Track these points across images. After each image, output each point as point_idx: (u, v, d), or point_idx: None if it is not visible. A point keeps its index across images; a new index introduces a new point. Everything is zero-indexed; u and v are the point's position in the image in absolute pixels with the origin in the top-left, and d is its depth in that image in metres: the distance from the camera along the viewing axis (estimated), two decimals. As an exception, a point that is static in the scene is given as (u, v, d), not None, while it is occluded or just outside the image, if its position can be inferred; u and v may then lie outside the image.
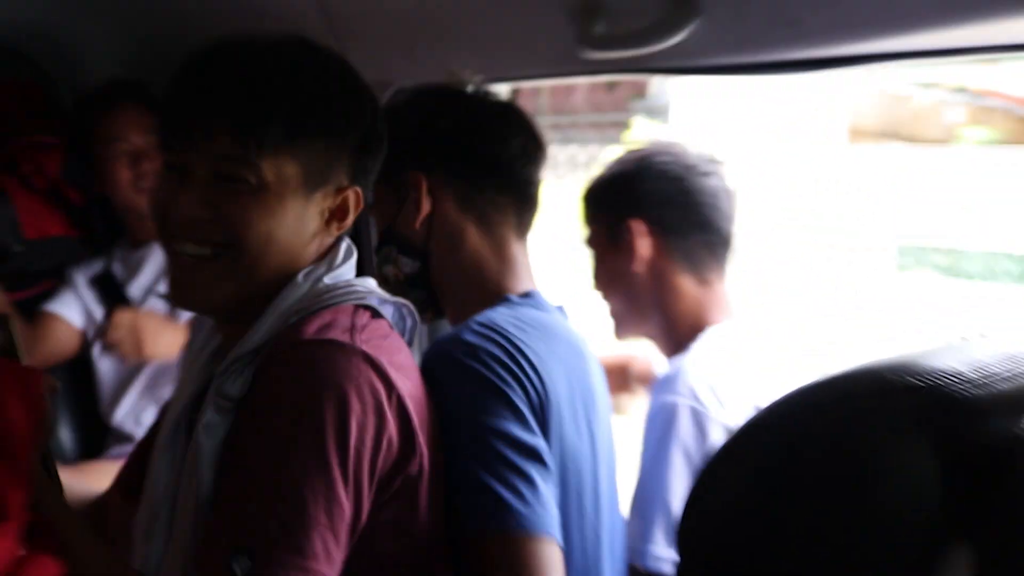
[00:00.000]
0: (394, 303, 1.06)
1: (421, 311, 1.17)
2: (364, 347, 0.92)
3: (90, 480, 1.34)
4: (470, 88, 1.28)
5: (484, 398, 1.05)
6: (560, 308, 1.26)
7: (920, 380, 0.53)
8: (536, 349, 1.10)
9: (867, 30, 1.16)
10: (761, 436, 0.59)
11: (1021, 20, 0.97)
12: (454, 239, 1.22)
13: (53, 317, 1.94)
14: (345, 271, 1.04)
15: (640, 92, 7.09)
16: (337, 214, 1.03)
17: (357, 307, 0.99)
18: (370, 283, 1.06)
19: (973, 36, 1.10)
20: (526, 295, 1.21)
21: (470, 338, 1.08)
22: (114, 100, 1.92)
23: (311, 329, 0.93)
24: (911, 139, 7.75)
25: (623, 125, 7.15)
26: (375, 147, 1.06)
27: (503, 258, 1.23)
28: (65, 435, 2.09)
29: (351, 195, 1.03)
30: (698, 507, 0.61)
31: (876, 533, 0.51)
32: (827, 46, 1.20)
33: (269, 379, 0.92)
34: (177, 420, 1.04)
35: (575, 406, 1.14)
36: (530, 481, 1.01)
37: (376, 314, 1.00)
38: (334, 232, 1.04)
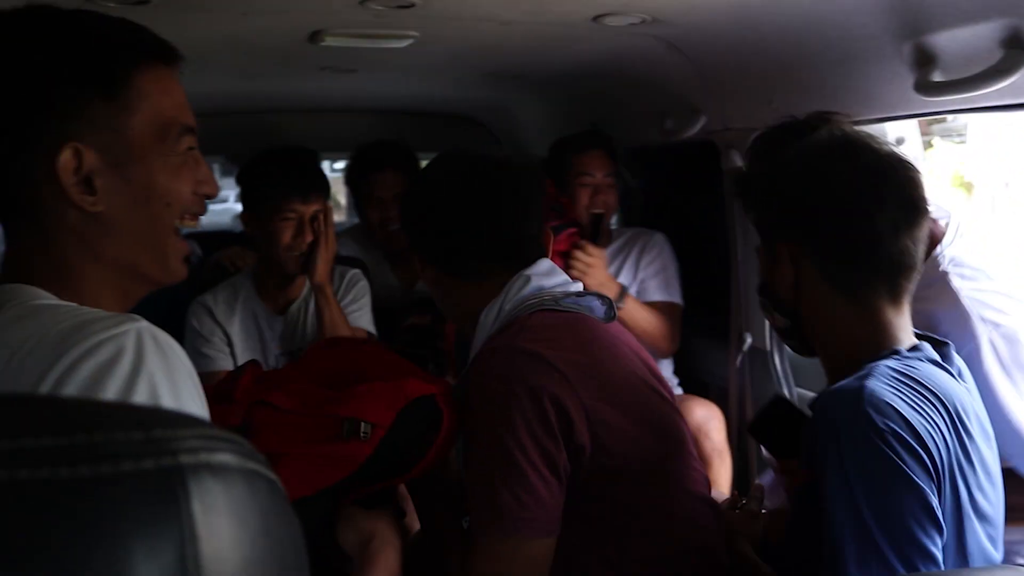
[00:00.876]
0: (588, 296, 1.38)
1: (799, 352, 1.35)
2: (524, 344, 1.24)
3: None
4: (844, 135, 1.23)
5: (894, 486, 1.05)
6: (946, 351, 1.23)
7: None
8: (930, 412, 1.09)
9: None
10: None
11: None
12: (819, 307, 1.22)
13: None
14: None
15: (940, 118, 6.94)
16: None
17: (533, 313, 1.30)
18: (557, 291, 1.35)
19: None
20: (913, 348, 1.19)
21: (874, 416, 1.06)
22: (588, 145, 2.54)
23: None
24: None
25: (926, 146, 7.20)
26: None
27: (874, 324, 1.19)
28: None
29: None
30: None
31: None
32: None
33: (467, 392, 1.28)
34: None
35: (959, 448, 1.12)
36: (930, 555, 1.04)
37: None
38: None
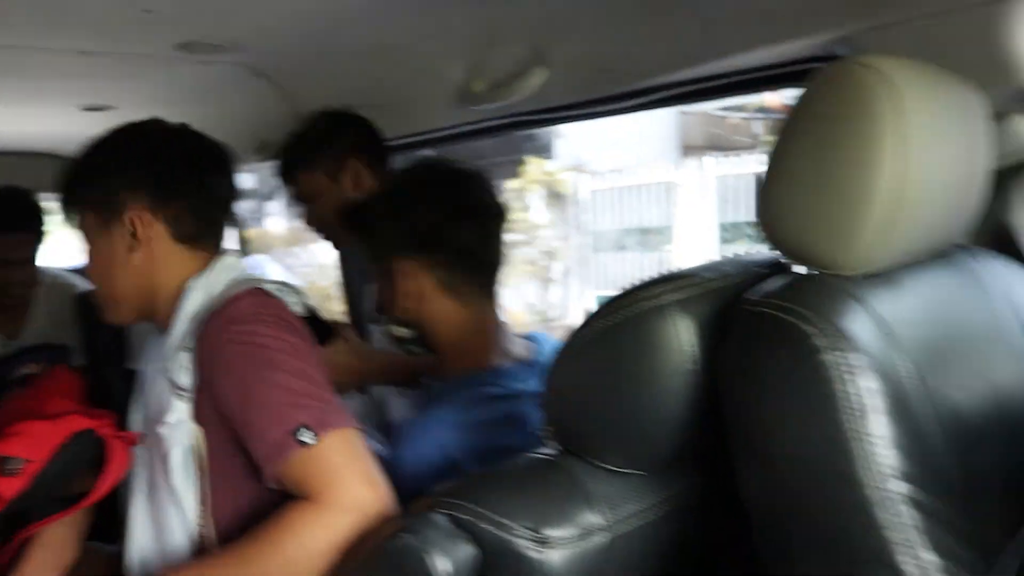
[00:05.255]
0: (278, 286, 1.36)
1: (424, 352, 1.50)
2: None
3: None
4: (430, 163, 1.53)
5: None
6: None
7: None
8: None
9: (662, 68, 1.57)
10: None
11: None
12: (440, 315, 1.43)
13: None
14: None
15: (530, 135, 8.56)
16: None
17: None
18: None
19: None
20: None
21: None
22: None
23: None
24: (728, 148, 9.86)
25: (519, 163, 9.04)
26: None
27: (477, 329, 1.43)
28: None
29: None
30: None
31: None
32: (633, 84, 1.64)
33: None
34: None
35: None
36: None
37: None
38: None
